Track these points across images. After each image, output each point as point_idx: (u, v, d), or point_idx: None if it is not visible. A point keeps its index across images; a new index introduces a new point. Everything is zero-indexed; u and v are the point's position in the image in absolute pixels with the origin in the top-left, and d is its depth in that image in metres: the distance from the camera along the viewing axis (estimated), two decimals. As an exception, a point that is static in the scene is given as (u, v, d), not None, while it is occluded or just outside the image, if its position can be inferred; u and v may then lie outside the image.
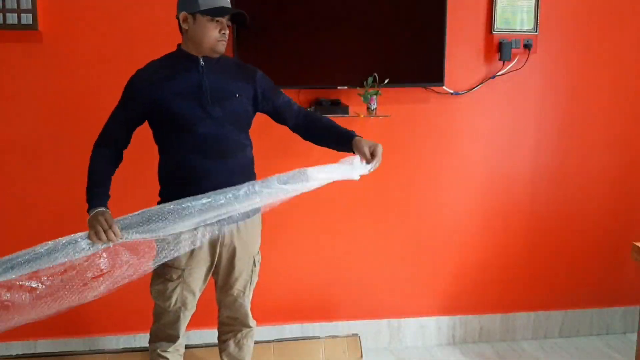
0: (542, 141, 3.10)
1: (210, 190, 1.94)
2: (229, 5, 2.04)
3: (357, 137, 2.12)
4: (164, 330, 2.20)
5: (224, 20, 2.03)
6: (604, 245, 3.23)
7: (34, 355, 2.76)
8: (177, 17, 2.05)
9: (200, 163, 2.02)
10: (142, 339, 2.88)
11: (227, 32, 2.05)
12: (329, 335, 2.92)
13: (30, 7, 2.57)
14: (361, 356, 2.86)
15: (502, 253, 3.15)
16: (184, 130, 2.02)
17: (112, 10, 2.69)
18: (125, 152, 2.15)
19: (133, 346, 2.86)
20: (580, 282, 3.25)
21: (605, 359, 3.08)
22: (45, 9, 2.62)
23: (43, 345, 2.85)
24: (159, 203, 2.11)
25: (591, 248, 3.23)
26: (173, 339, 2.21)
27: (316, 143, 2.23)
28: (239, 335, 2.31)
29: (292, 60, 2.77)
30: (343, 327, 3.06)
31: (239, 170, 2.08)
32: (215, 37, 2.01)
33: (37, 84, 2.68)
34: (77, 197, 2.79)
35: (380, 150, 2.07)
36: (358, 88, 2.78)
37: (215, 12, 1.98)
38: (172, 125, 2.03)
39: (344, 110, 2.80)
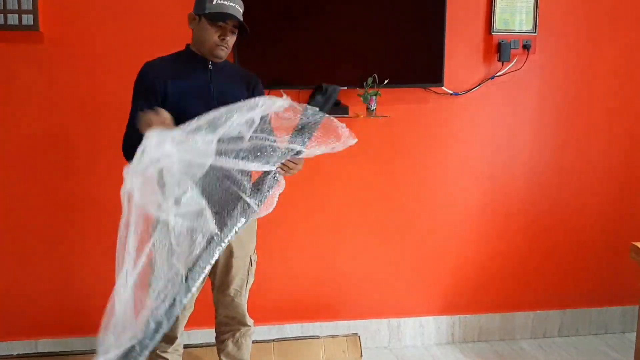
0: (541, 141, 3.11)
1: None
2: (236, 14, 2.04)
3: None
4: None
5: (227, 27, 2.04)
6: (603, 245, 3.24)
7: (35, 354, 2.77)
8: None
9: None
10: (142, 339, 2.88)
11: (229, 39, 2.06)
12: (329, 335, 2.94)
13: (31, 8, 2.58)
14: (361, 355, 2.87)
15: (502, 253, 3.16)
16: None
17: (114, 11, 2.70)
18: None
19: (134, 346, 2.86)
20: (579, 281, 3.26)
21: (604, 358, 3.09)
22: (46, 9, 2.63)
23: (44, 345, 2.86)
24: None
25: (590, 248, 3.24)
26: (171, 340, 2.21)
27: None
28: (237, 334, 2.32)
29: (292, 60, 2.78)
30: (343, 326, 3.06)
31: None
32: (214, 41, 2.04)
33: (38, 84, 2.69)
34: (78, 197, 2.81)
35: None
36: (358, 88, 2.79)
37: (214, 17, 2.01)
38: (176, 123, 2.03)
39: (344, 110, 2.81)
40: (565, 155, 3.14)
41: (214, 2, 2.01)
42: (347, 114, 2.82)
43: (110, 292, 2.88)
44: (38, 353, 2.80)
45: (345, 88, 2.82)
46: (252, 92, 2.20)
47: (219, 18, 2.01)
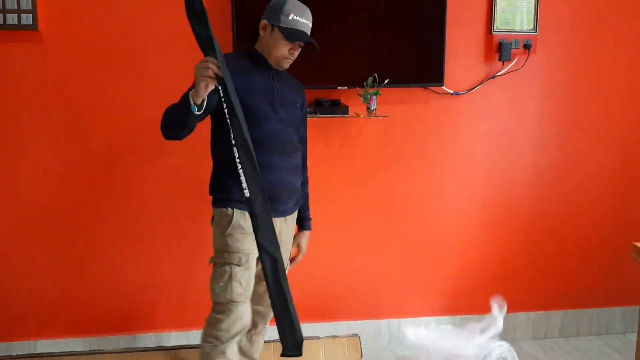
0: (542, 141, 3.10)
1: (273, 184, 2.09)
2: (307, 30, 2.13)
3: (306, 231, 2.41)
4: (232, 331, 2.15)
5: (298, 43, 2.13)
6: (604, 245, 3.24)
7: (34, 355, 2.76)
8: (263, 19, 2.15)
9: (264, 156, 2.07)
10: (142, 339, 2.88)
11: (297, 52, 2.15)
12: (329, 335, 2.93)
13: (30, 7, 2.57)
14: (361, 356, 2.86)
15: (502, 253, 3.15)
16: (253, 124, 2.05)
17: (113, 11, 2.69)
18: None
19: (133, 346, 2.86)
20: (580, 282, 3.26)
21: (605, 359, 3.08)
22: (45, 9, 2.62)
23: (43, 346, 2.85)
24: (219, 188, 2.15)
25: (591, 248, 3.23)
26: (246, 328, 2.20)
27: None
28: (252, 331, 2.34)
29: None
30: (343, 327, 3.06)
31: (294, 169, 2.21)
32: (284, 54, 2.12)
33: (37, 84, 2.68)
34: (78, 197, 2.80)
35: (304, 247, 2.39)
36: (358, 88, 2.78)
37: (291, 37, 2.08)
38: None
39: (344, 110, 2.81)
40: (566, 155, 3.13)
41: (290, 17, 2.07)
42: (347, 113, 2.81)
43: (109, 293, 2.88)
44: (37, 354, 2.79)
45: (346, 88, 2.81)
46: (303, 100, 2.30)
47: (296, 39, 2.09)
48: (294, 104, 2.24)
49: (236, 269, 2.10)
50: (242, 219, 2.10)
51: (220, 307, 2.16)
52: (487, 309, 3.19)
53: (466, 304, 3.17)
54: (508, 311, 3.20)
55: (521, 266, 3.19)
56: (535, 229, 3.17)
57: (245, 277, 2.13)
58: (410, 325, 3.14)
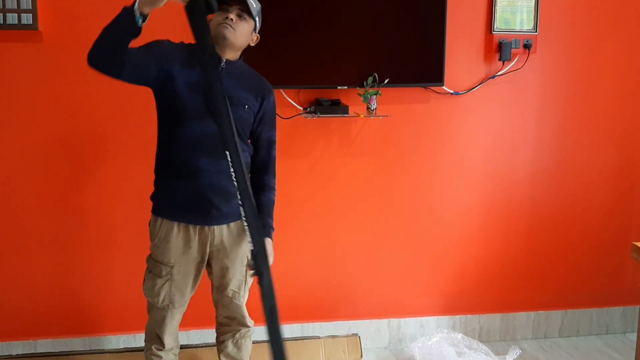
0: (541, 141, 3.10)
1: (203, 188, 1.98)
2: None
3: (268, 239, 2.08)
4: (154, 330, 2.20)
5: (233, 8, 1.99)
6: (604, 245, 3.23)
7: (34, 355, 2.76)
8: None
9: (193, 160, 2.00)
10: (142, 339, 2.87)
11: (234, 18, 1.98)
12: (329, 335, 2.93)
13: (30, 7, 2.57)
14: (361, 356, 2.86)
15: (502, 253, 3.15)
16: (183, 122, 2.00)
17: (113, 10, 2.68)
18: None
19: (133, 346, 2.86)
20: (580, 282, 3.26)
21: (605, 359, 3.08)
22: (45, 8, 2.62)
23: (43, 345, 2.85)
24: (153, 194, 2.15)
25: (591, 248, 3.23)
26: (161, 342, 2.20)
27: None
28: (237, 335, 2.30)
29: (292, 60, 2.77)
30: (343, 326, 3.06)
31: (230, 173, 2.00)
32: (217, 21, 1.99)
33: (37, 84, 2.68)
34: (78, 198, 2.80)
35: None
36: (358, 88, 2.78)
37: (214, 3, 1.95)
38: (173, 114, 2.02)
39: (344, 110, 2.81)
40: (565, 155, 3.13)
41: None
42: (347, 113, 2.81)
43: (109, 292, 2.88)
44: (37, 353, 2.79)
45: (346, 87, 2.81)
46: (261, 102, 2.12)
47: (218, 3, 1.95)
48: (241, 104, 2.05)
49: (157, 280, 2.11)
50: (169, 232, 2.07)
51: (147, 305, 2.20)
52: (487, 309, 3.20)
53: (466, 303, 3.17)
54: (508, 311, 3.22)
55: (521, 266, 3.18)
56: (535, 229, 3.17)
57: (166, 288, 2.11)
58: (410, 324, 3.14)
